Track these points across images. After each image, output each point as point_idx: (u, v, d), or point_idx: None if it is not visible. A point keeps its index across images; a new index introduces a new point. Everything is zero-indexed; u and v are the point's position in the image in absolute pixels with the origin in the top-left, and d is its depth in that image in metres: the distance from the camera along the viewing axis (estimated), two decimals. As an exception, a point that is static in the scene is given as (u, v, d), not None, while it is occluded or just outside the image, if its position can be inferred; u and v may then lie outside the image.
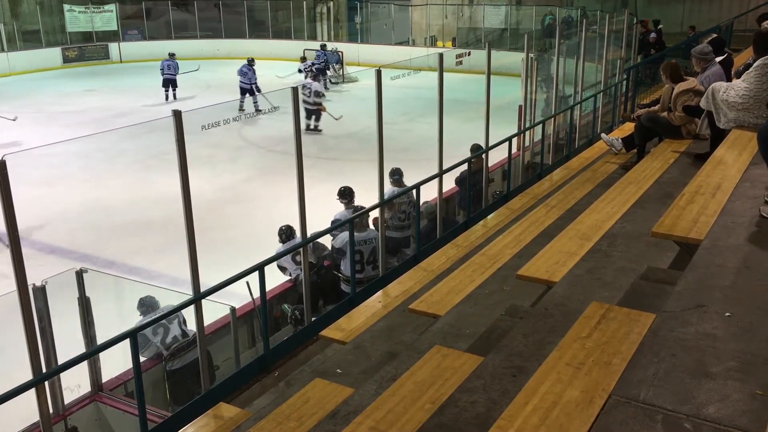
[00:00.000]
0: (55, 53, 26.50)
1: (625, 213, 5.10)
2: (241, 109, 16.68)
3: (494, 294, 4.73)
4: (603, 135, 8.61)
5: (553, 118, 10.17)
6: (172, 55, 20.64)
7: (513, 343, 3.29)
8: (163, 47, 27.94)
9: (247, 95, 17.95)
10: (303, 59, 21.84)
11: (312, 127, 15.70)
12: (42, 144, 12.63)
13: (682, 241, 4.00)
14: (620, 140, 7.80)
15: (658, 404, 2.40)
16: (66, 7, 27.51)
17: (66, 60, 26.67)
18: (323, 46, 22.76)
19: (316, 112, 15.77)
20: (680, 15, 26.46)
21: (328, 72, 22.10)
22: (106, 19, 28.34)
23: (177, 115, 4.52)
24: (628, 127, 8.78)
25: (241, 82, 18.29)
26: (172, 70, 19.98)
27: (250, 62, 18.74)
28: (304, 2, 28.70)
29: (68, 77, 24.28)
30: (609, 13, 12.88)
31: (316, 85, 15.08)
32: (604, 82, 12.01)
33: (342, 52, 24.07)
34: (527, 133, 9.76)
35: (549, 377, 2.72)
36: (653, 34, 19.03)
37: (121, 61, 27.64)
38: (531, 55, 9.79)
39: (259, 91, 17.91)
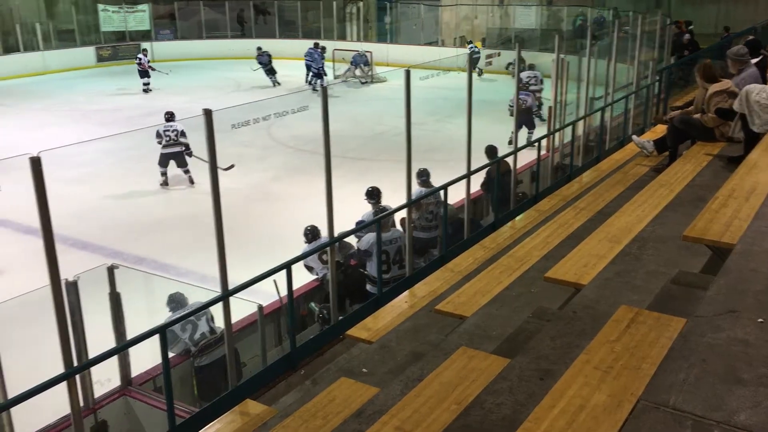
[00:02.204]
0: (89, 52, 26.94)
1: (656, 216, 5.03)
2: (314, 89, 19.56)
3: (521, 296, 4.71)
4: (634, 137, 8.51)
5: (583, 120, 10.08)
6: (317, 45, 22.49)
7: (540, 346, 3.27)
8: (194, 47, 28.33)
9: (312, 76, 21.03)
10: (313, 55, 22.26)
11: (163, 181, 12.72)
12: (75, 142, 12.85)
13: (715, 245, 3.94)
14: (652, 142, 7.70)
15: (688, 410, 2.37)
16: (100, 6, 27.94)
17: (99, 59, 27.09)
18: (316, 45, 22.69)
19: (182, 157, 12.54)
20: (714, 16, 26.05)
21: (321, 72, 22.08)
22: (139, 18, 28.73)
23: (207, 113, 4.57)
24: (660, 129, 8.66)
25: (307, 61, 21.29)
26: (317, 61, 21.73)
27: (316, 45, 21.91)
28: (334, 2, 28.79)
29: (101, 76, 24.67)
30: (642, 14, 12.72)
31: (179, 125, 12.66)
32: (636, 84, 11.87)
33: (371, 53, 24.10)
34: (557, 134, 9.68)
35: (576, 380, 2.70)
36: (687, 35, 18.74)
37: (153, 61, 27.98)
38: (561, 55, 9.71)
39: (325, 74, 21.25)
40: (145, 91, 21.38)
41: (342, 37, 29.16)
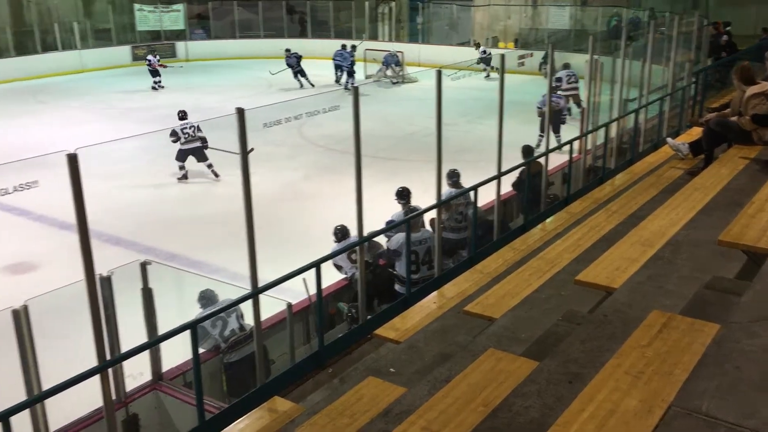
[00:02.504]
0: (125, 51, 27.38)
1: (691, 220, 4.96)
2: (346, 88, 20.39)
3: (551, 298, 4.67)
4: (669, 139, 8.38)
5: (616, 122, 9.96)
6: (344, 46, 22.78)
7: (569, 349, 3.24)
8: (227, 47, 28.62)
9: (343, 74, 21.50)
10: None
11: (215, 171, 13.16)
12: (111, 139, 13.09)
13: (750, 250, 3.86)
14: (687, 145, 7.58)
15: (721, 417, 2.33)
16: (136, 6, 28.39)
17: (135, 58, 27.49)
18: (344, 46, 22.77)
19: (202, 152, 13.05)
20: (753, 17, 25.51)
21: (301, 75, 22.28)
22: (174, 18, 29.11)
23: (240, 112, 4.61)
24: (696, 132, 8.52)
25: (341, 65, 21.79)
26: (345, 60, 22.06)
27: (344, 47, 22.27)
28: (366, 3, 28.86)
29: (137, 75, 25.02)
30: (678, 15, 12.51)
31: (193, 122, 13.16)
32: (671, 86, 11.69)
33: (402, 53, 24.10)
34: (589, 136, 9.58)
35: (606, 385, 2.67)
36: (725, 37, 18.40)
37: (187, 60, 28.36)
38: (595, 56, 9.61)
39: (354, 72, 21.73)
40: (155, 88, 22.12)
41: (374, 37, 29.21)
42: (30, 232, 10.49)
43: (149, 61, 22.44)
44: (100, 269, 4.37)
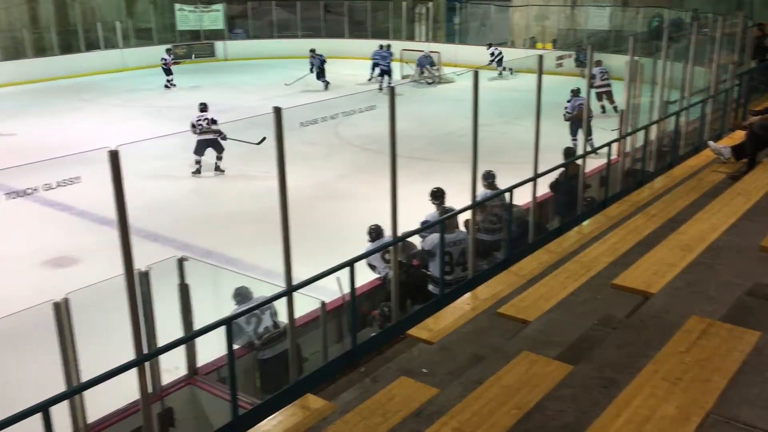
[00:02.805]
0: (165, 50, 27.80)
1: (732, 225, 4.86)
2: (380, 88, 20.53)
3: (587, 302, 4.61)
4: (710, 143, 8.23)
5: (656, 124, 9.79)
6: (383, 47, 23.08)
7: (605, 354, 3.20)
8: (266, 46, 28.90)
9: (385, 76, 21.71)
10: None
11: (221, 166, 13.64)
12: (151, 137, 13.32)
13: (795, 256, 3.77)
14: (729, 148, 7.43)
15: (761, 426, 2.28)
16: (177, 6, 28.83)
17: (175, 57, 27.92)
18: (381, 46, 22.89)
19: (216, 143, 13.49)
20: (800, 18, 24.87)
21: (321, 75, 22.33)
22: (214, 18, 29.49)
23: (277, 111, 4.65)
24: (739, 136, 8.34)
25: (379, 63, 22.04)
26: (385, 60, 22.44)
27: (381, 47, 22.58)
28: (404, 3, 28.86)
29: (176, 74, 25.39)
30: (722, 16, 12.26)
31: (209, 114, 13.47)
32: (714, 88, 11.46)
33: (439, 53, 24.04)
34: (628, 138, 9.44)
35: (643, 391, 2.63)
36: (770, 38, 17.96)
37: (226, 59, 28.70)
38: (635, 57, 9.47)
39: (391, 72, 22.02)
40: (167, 87, 22.64)
41: (410, 37, 29.21)
42: (72, 227, 10.73)
43: (164, 60, 22.87)
44: (139, 264, 4.44)
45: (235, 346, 5.38)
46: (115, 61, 26.03)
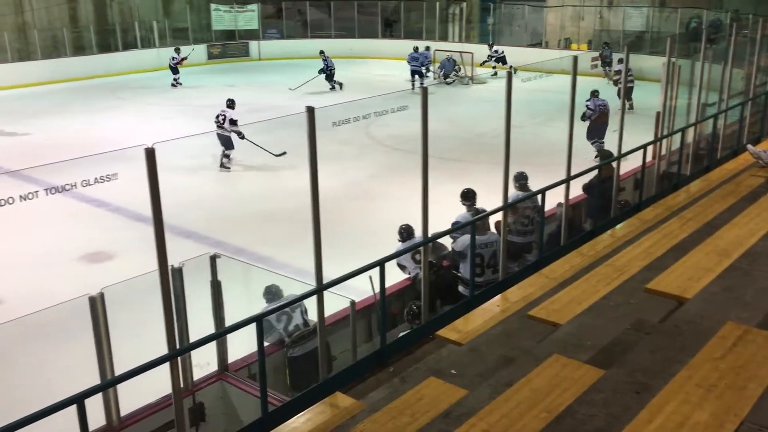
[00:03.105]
0: (200, 50, 28.16)
1: (770, 230, 4.76)
2: (413, 88, 20.91)
3: (619, 306, 4.56)
4: (749, 146, 8.06)
5: (693, 127, 9.63)
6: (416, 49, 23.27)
7: (638, 359, 3.16)
8: (299, 46, 29.10)
9: (417, 77, 21.83)
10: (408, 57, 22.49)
11: (225, 163, 14.07)
12: (186, 135, 13.49)
13: (836, 263, 3.68)
14: (768, 152, 7.27)
15: (798, 437, 2.23)
16: (213, 6, 29.18)
17: (210, 57, 28.28)
18: (416, 48, 22.88)
19: (228, 140, 13.91)
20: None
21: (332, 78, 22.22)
22: (249, 18, 29.78)
23: (310, 111, 4.67)
24: (778, 139, 8.17)
25: (412, 65, 22.07)
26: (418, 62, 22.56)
27: (416, 49, 22.70)
28: (437, 3, 28.82)
29: (211, 73, 25.74)
30: (763, 17, 12.01)
31: (231, 113, 13.80)
32: (753, 90, 11.23)
33: (472, 53, 23.94)
34: (664, 141, 9.29)
35: (676, 397, 2.59)
36: (813, 40, 17.53)
37: (260, 59, 28.96)
38: (673, 59, 9.32)
39: (424, 74, 22.35)
40: (174, 85, 23.19)
41: (443, 37, 29.15)
42: (108, 223, 10.92)
43: (174, 58, 23.36)
44: (172, 261, 4.49)
45: (266, 344, 5.42)
46: (152, 60, 26.42)
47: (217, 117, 13.82)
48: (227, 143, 13.77)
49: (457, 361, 4.58)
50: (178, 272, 4.97)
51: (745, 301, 3.76)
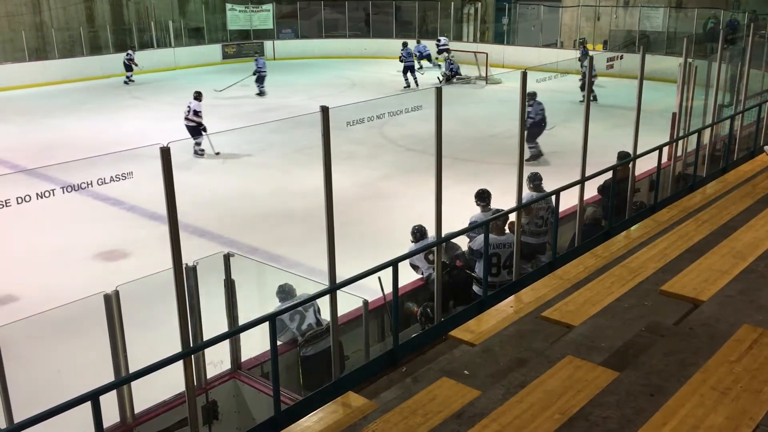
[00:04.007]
0: (215, 50, 28.31)
1: (788, 232, 4.71)
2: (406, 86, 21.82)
3: (634, 308, 4.53)
4: (766, 147, 7.98)
5: (710, 128, 9.55)
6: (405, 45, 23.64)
7: (652, 361, 3.14)
8: (314, 46, 29.18)
9: (409, 73, 22.25)
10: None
11: (197, 150, 14.59)
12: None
13: None
14: (786, 154, 7.20)
15: (815, 441, 2.21)
16: (228, 6, 29.32)
17: (225, 56, 28.41)
18: (256, 53, 23.40)
19: (195, 130, 14.61)
20: None
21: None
22: (263, 18, 29.89)
23: (324, 111, 4.68)
24: (796, 140, 8.09)
25: (407, 62, 22.55)
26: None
27: (405, 44, 22.94)
28: (452, 3, 28.78)
29: (226, 72, 25.80)
30: (781, 17, 11.89)
31: (195, 104, 14.66)
32: (770, 91, 11.13)
33: (486, 53, 23.89)
34: (680, 142, 9.22)
35: (691, 400, 2.57)
36: (832, 41, 17.36)
37: (274, 59, 29.05)
38: (689, 59, 9.25)
39: (413, 69, 22.69)
40: (126, 83, 23.83)
41: (458, 37, 29.10)
42: (123, 222, 10.99)
43: (129, 55, 24.08)
44: (186, 259, 4.52)
45: (279, 342, 5.44)
46: (167, 59, 26.60)
47: (186, 108, 14.69)
48: (195, 133, 14.35)
49: (469, 361, 4.58)
50: (192, 271, 4.99)
51: (760, 303, 3.73)
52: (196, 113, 14.55)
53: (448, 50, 24.95)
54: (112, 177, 4.13)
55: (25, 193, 3.83)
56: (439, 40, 25.82)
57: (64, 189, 3.94)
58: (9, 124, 17.94)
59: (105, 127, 17.52)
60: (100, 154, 4.76)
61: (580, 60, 21.54)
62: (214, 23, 29.99)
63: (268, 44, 29.47)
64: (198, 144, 14.42)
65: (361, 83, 22.46)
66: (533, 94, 13.50)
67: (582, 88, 18.38)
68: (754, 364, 2.76)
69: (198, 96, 14.75)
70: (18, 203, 3.82)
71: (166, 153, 3.88)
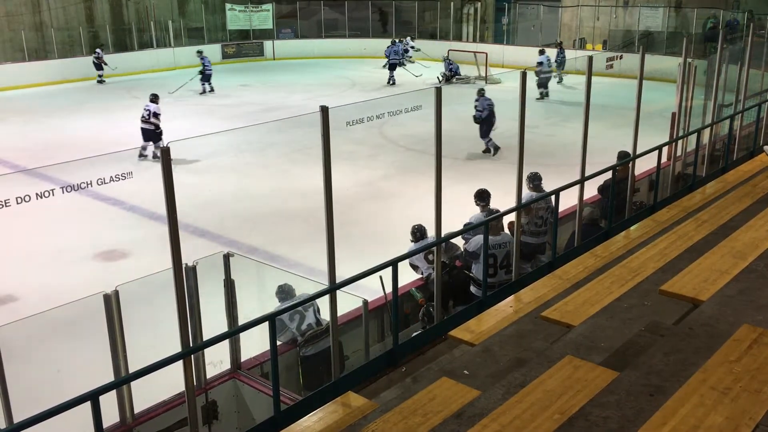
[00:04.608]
0: (215, 49, 28.29)
1: (787, 232, 4.71)
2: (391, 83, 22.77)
3: (633, 308, 4.53)
4: (766, 147, 7.99)
5: (709, 128, 9.55)
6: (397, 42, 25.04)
7: (652, 361, 3.14)
8: (313, 46, 29.18)
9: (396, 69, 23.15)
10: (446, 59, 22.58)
11: (146, 154, 14.05)
12: (199, 134, 13.57)
13: None
14: (785, 154, 7.20)
15: (815, 441, 2.21)
16: (228, 6, 29.32)
17: (225, 56, 28.41)
18: (200, 52, 22.78)
19: (153, 134, 14.34)
20: None
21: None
22: (263, 18, 29.89)
23: (324, 111, 4.68)
24: (796, 140, 8.09)
25: (392, 59, 23.35)
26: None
27: (394, 42, 24.59)
28: (452, 3, 28.78)
29: (226, 72, 25.81)
30: (780, 17, 11.90)
31: (154, 107, 14.33)
32: (770, 91, 11.13)
33: (486, 53, 23.89)
34: (680, 142, 9.22)
35: (690, 400, 2.57)
36: (831, 40, 17.36)
37: (274, 59, 29.05)
38: (689, 59, 9.25)
39: (395, 66, 23.41)
40: (99, 82, 23.94)
41: (458, 37, 29.11)
42: (123, 222, 10.99)
43: (98, 53, 23.97)
44: (186, 259, 4.51)
45: (278, 342, 5.44)
46: (167, 59, 26.59)
47: (143, 111, 14.37)
48: (153, 137, 14.16)
49: (469, 361, 4.58)
50: (192, 270, 4.99)
51: (760, 303, 3.73)
52: (156, 116, 14.30)
53: (407, 50, 25.96)
54: (112, 177, 4.13)
55: (24, 192, 3.83)
56: (402, 41, 26.21)
57: (64, 189, 3.94)
58: (9, 124, 17.94)
59: (105, 127, 17.51)
60: (99, 154, 4.76)
61: (556, 62, 22.36)
62: (214, 23, 30.00)
63: (267, 44, 29.48)
64: (144, 149, 13.95)
65: (360, 83, 22.46)
66: (481, 90, 14.15)
67: (540, 85, 19.45)
68: (754, 364, 2.76)
69: (155, 98, 14.50)
70: (18, 203, 3.82)
71: (166, 153, 3.88)
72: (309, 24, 31.12)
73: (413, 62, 25.51)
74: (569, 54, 23.64)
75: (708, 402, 2.54)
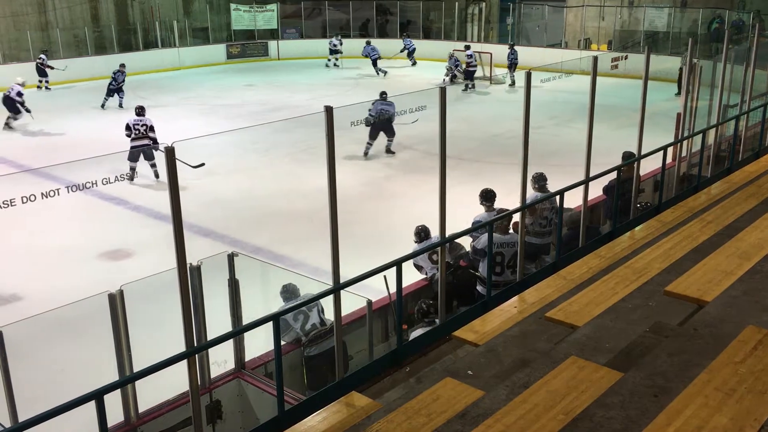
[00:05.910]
0: (219, 50, 28.35)
1: (793, 233, 4.70)
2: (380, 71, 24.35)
3: (638, 309, 4.52)
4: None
5: (715, 128, 9.52)
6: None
7: (656, 362, 3.13)
8: (318, 46, 29.18)
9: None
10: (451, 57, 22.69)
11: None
12: (204, 134, 13.55)
13: None
14: (791, 154, 7.18)
15: (820, 443, 2.20)
16: (232, 6, 29.35)
17: (229, 56, 28.44)
18: (122, 66, 20.63)
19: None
20: None
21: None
22: (268, 18, 29.91)
23: (329, 110, 4.68)
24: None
25: (373, 56, 24.70)
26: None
27: (369, 42, 25.38)
28: (456, 3, 28.77)
29: (230, 72, 25.87)
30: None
31: (148, 120, 13.00)
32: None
33: (491, 53, 23.86)
34: (685, 142, 9.20)
35: (695, 401, 2.57)
36: (837, 41, 17.29)
37: (278, 59, 29.07)
38: (694, 60, 9.22)
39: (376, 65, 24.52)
40: (39, 87, 22.52)
41: (462, 37, 29.08)
42: (127, 221, 11.01)
43: (42, 59, 22.87)
44: (191, 259, 4.52)
45: (283, 342, 5.44)
46: (172, 59, 26.64)
47: (135, 126, 12.89)
48: (149, 153, 12.54)
49: (473, 361, 4.57)
50: (197, 270, 5.00)
51: (765, 304, 3.72)
52: (152, 129, 12.92)
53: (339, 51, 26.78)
54: (116, 176, 4.14)
55: (30, 192, 3.84)
56: (368, 43, 26.23)
57: (69, 188, 3.95)
58: (14, 123, 17.98)
59: (110, 126, 17.53)
60: (104, 154, 4.77)
61: (507, 63, 22.99)
62: (219, 23, 30.03)
63: (272, 44, 29.50)
64: (155, 166, 12.58)
65: (365, 83, 22.46)
66: (383, 94, 14.41)
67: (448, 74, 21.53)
68: (759, 365, 2.75)
69: (143, 111, 13.27)
70: (23, 203, 3.83)
71: (170, 153, 3.89)
72: (314, 24, 31.15)
73: (338, 65, 26.62)
74: (573, 54, 23.59)
75: (712, 403, 2.53)
